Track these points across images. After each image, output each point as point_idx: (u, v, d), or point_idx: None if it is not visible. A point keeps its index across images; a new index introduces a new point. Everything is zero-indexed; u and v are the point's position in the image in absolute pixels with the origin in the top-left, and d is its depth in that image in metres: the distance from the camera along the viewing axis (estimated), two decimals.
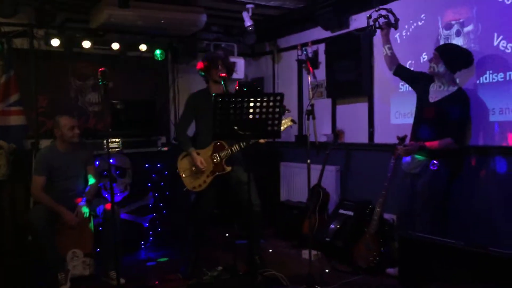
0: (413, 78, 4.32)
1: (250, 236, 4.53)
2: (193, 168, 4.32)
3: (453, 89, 3.96)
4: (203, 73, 4.47)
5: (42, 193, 4.28)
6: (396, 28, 4.25)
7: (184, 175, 4.36)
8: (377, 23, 4.23)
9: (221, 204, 4.93)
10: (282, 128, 4.21)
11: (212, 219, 4.74)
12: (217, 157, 4.32)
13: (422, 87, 4.15)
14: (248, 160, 4.32)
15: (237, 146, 4.27)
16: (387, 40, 4.30)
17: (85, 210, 4.32)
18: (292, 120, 4.43)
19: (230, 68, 4.53)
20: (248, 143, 3.97)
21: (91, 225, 4.45)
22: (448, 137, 3.87)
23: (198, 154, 4.33)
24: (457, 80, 4.10)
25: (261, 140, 4.30)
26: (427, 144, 3.88)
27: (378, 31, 4.30)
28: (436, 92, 4.03)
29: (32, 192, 4.36)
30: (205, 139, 4.34)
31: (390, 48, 4.30)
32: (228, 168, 4.33)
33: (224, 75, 4.30)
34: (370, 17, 4.23)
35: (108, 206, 4.28)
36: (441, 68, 3.93)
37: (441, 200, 4.00)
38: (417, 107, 4.19)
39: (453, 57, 3.96)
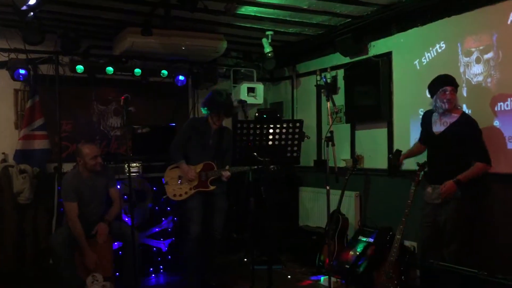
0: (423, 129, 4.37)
1: (205, 256, 4.66)
2: (179, 179, 4.61)
3: (456, 115, 4.00)
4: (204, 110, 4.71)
5: (78, 221, 4.28)
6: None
7: (168, 183, 4.63)
8: None
9: (240, 229, 4.93)
10: None
11: (230, 244, 4.73)
12: (204, 175, 4.57)
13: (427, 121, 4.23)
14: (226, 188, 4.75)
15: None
16: None
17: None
18: None
19: (231, 115, 4.94)
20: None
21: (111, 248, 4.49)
22: (477, 161, 3.85)
23: None
24: (460, 106, 4.16)
25: (224, 178, 4.56)
26: (461, 178, 3.84)
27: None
28: (438, 122, 4.09)
29: (69, 219, 4.32)
30: (193, 159, 4.64)
31: None
32: (212, 187, 4.59)
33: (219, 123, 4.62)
34: None
35: None
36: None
37: (468, 229, 3.93)
38: (428, 141, 4.22)
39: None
